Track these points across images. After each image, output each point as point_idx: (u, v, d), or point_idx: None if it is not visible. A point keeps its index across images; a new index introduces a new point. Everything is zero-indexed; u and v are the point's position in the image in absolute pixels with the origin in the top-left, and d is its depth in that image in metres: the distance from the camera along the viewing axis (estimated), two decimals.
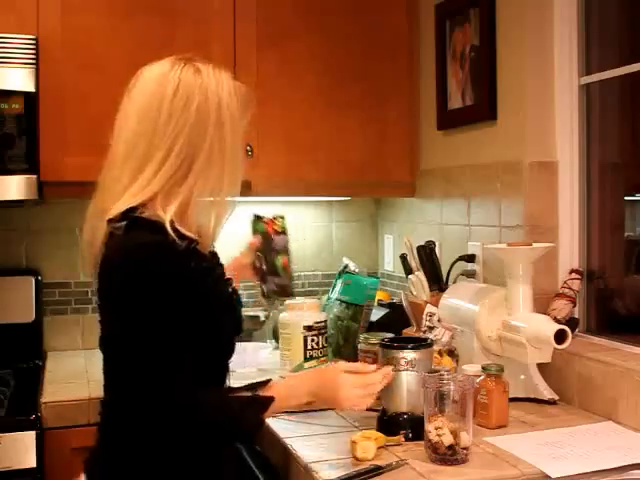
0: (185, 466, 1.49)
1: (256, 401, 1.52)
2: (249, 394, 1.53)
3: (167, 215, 1.46)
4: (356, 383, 1.60)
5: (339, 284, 2.52)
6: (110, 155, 1.53)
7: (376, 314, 2.54)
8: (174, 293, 1.42)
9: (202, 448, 1.48)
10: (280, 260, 1.98)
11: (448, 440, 1.55)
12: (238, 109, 1.53)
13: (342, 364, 1.67)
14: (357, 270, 2.54)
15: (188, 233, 1.48)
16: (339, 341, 2.41)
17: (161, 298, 1.41)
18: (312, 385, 1.59)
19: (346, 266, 2.56)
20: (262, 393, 1.54)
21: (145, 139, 1.48)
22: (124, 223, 1.45)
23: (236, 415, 1.49)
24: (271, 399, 1.52)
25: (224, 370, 1.62)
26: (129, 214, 1.46)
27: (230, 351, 1.61)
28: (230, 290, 1.67)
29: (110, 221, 1.47)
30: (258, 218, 2.02)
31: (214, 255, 1.65)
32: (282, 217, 2.04)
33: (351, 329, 2.39)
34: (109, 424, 1.55)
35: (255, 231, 2.01)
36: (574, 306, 2.13)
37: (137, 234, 1.45)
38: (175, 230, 1.45)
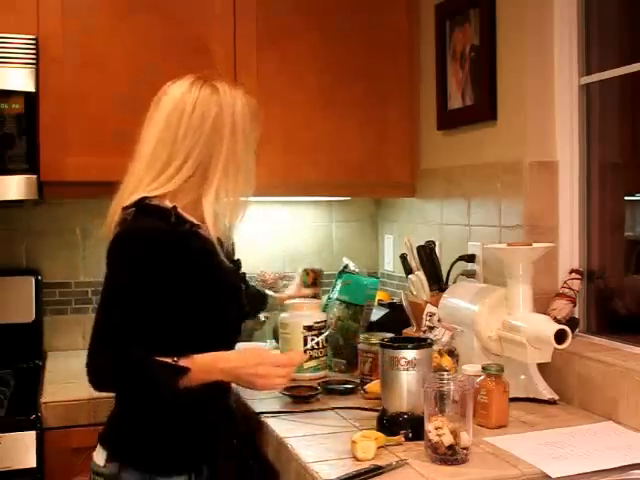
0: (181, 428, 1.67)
1: (173, 367, 1.59)
2: (170, 360, 1.60)
3: (172, 204, 1.66)
4: (273, 362, 1.70)
5: (339, 284, 2.51)
6: (135, 157, 1.72)
7: (376, 314, 2.54)
8: (165, 267, 1.60)
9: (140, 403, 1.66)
10: None
11: (448, 440, 1.55)
12: (250, 121, 1.73)
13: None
14: (357, 270, 2.51)
15: (191, 218, 1.68)
16: (339, 341, 2.38)
17: (144, 274, 1.59)
18: (230, 364, 1.67)
19: (346, 266, 2.54)
20: (182, 363, 1.60)
21: (166, 147, 1.68)
22: (134, 209, 1.65)
23: (151, 375, 1.60)
24: (186, 369, 1.59)
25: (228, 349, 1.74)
26: (140, 203, 1.65)
27: (234, 332, 1.81)
28: (235, 280, 1.81)
29: (124, 209, 1.66)
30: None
31: (227, 251, 1.78)
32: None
33: (351, 329, 2.37)
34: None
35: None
36: (574, 306, 2.13)
37: (144, 219, 1.64)
38: (178, 215, 1.65)
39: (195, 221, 1.69)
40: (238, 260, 1.89)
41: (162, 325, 1.63)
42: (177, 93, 1.71)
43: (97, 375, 1.60)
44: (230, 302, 1.75)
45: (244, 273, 2.01)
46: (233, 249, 1.87)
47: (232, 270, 1.79)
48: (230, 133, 1.69)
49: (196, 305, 1.66)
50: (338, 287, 2.51)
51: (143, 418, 1.68)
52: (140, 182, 1.69)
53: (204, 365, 1.63)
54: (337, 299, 2.46)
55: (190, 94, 1.70)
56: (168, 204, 1.67)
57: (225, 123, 1.69)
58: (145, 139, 1.72)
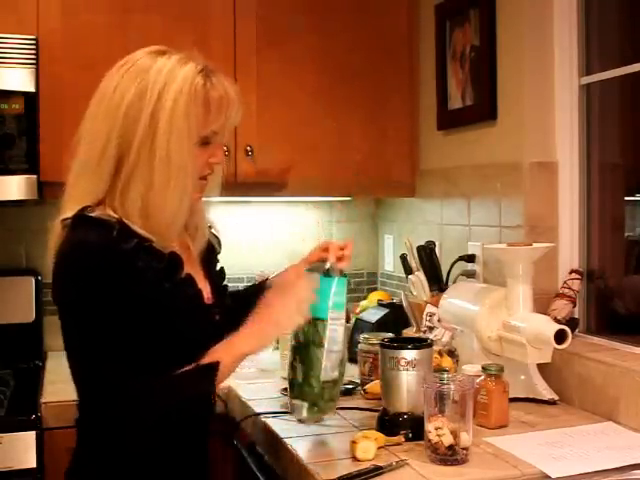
0: (161, 464, 1.49)
1: (205, 369, 1.44)
2: (191, 366, 1.44)
3: (115, 214, 1.43)
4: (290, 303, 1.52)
5: None
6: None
7: (376, 314, 2.54)
8: (109, 291, 1.39)
9: (167, 435, 1.45)
10: None
11: (448, 440, 1.55)
12: (191, 112, 1.43)
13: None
14: (328, 266, 1.66)
15: (141, 231, 1.43)
16: (297, 377, 1.64)
17: (94, 296, 1.39)
18: (250, 334, 1.51)
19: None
20: (204, 362, 1.45)
21: (87, 137, 1.47)
22: (69, 221, 1.44)
23: (189, 389, 1.44)
24: (217, 363, 1.44)
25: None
26: (78, 214, 1.44)
27: (194, 348, 1.48)
28: (194, 290, 1.54)
29: (63, 221, 1.46)
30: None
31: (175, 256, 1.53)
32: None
33: (310, 357, 1.61)
34: (81, 427, 1.54)
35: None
36: (574, 306, 2.13)
37: (80, 232, 1.42)
38: (124, 228, 1.41)
39: (146, 234, 1.43)
40: (222, 269, 1.70)
41: (129, 345, 1.43)
42: (110, 71, 1.51)
43: (139, 412, 1.41)
44: (188, 325, 1.49)
45: (225, 285, 1.72)
46: (213, 253, 1.68)
47: (191, 290, 1.52)
48: (150, 118, 1.41)
49: (148, 330, 1.44)
50: None
51: (108, 455, 1.48)
52: (70, 186, 1.49)
53: (222, 351, 1.47)
54: None
55: (118, 70, 1.49)
56: (111, 214, 1.43)
57: (144, 108, 1.42)
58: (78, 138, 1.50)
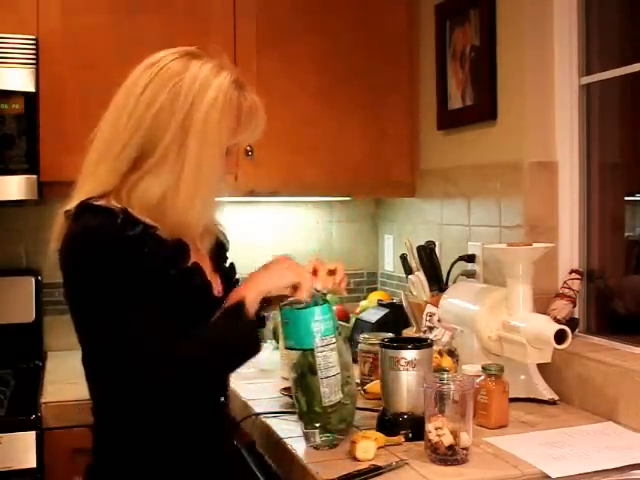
0: (180, 464, 1.49)
1: (233, 308, 1.47)
2: (220, 311, 1.47)
3: (119, 204, 1.43)
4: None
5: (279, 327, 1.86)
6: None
7: (376, 314, 2.54)
8: (119, 269, 1.38)
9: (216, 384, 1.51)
10: None
11: (448, 440, 1.55)
12: (223, 121, 1.45)
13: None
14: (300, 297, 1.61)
15: (145, 219, 1.43)
16: (302, 406, 1.65)
17: (105, 273, 1.38)
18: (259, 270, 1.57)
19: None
20: (228, 304, 1.49)
21: (108, 132, 1.48)
22: (74, 211, 1.44)
23: (228, 331, 1.47)
24: (242, 301, 1.47)
25: None
26: (80, 204, 1.44)
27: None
28: (202, 280, 1.53)
29: (66, 213, 1.46)
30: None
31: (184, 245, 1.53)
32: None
33: (309, 386, 1.63)
34: (100, 430, 1.55)
35: None
36: (574, 306, 2.13)
37: (84, 219, 1.42)
38: (128, 216, 1.41)
39: (150, 222, 1.43)
40: (231, 265, 1.69)
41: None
42: (139, 69, 1.48)
43: (187, 372, 1.41)
44: (195, 314, 1.48)
45: (237, 280, 1.70)
46: (222, 249, 1.69)
47: (199, 279, 1.52)
48: (182, 123, 1.42)
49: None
50: (280, 331, 1.96)
51: (129, 459, 1.49)
52: (83, 177, 1.49)
53: (241, 290, 1.50)
54: (286, 348, 1.68)
55: (148, 69, 1.46)
56: (115, 204, 1.43)
57: (177, 112, 1.42)
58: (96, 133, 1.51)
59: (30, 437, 2.06)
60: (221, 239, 1.68)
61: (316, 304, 1.61)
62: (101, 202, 1.43)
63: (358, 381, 2.13)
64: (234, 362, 1.52)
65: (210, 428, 1.56)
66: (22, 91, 2.31)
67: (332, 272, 1.66)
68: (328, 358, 1.60)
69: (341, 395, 1.63)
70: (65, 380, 2.34)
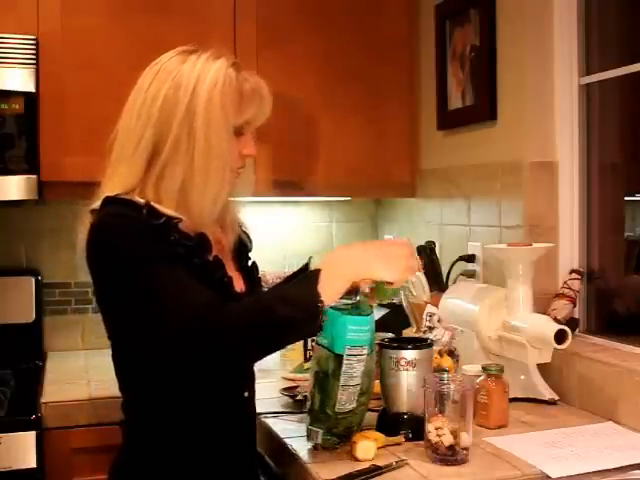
0: (205, 459, 1.51)
1: (305, 277, 1.44)
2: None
3: (143, 200, 1.45)
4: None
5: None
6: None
7: (376, 314, 2.53)
8: (153, 243, 1.40)
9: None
10: None
11: (448, 440, 1.55)
12: (226, 101, 1.48)
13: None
14: (359, 298, 1.57)
15: (169, 211, 1.45)
16: (314, 404, 1.63)
17: (142, 247, 1.39)
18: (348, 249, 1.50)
19: None
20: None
21: (124, 134, 1.51)
22: (98, 204, 1.47)
23: (287, 294, 1.42)
24: (316, 271, 1.40)
25: None
26: (106, 197, 1.47)
27: None
28: (223, 274, 1.53)
29: (91, 212, 1.49)
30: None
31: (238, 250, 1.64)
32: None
33: (328, 388, 1.59)
34: (130, 426, 1.56)
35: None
36: (574, 306, 2.13)
37: (110, 209, 1.45)
38: (152, 209, 1.44)
39: (174, 214, 1.46)
40: (254, 263, 1.70)
41: None
42: (146, 70, 1.54)
43: (240, 341, 1.36)
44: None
45: (259, 278, 1.72)
46: (245, 248, 1.69)
47: (219, 273, 1.52)
48: (186, 109, 1.45)
49: None
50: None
51: (159, 455, 1.51)
52: (106, 178, 1.52)
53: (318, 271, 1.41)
54: (317, 343, 1.63)
55: (151, 69, 1.53)
56: (138, 199, 1.45)
57: (180, 100, 1.46)
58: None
59: (30, 437, 2.06)
60: (244, 239, 1.70)
61: (359, 313, 1.55)
62: (125, 196, 1.47)
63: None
64: (283, 334, 1.41)
65: (235, 423, 1.58)
66: (22, 91, 2.31)
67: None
68: (353, 368, 1.57)
69: (355, 404, 1.61)
70: (65, 380, 2.34)
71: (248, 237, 1.72)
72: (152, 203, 1.45)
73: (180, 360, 1.37)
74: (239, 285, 1.59)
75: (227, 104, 1.48)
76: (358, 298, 1.55)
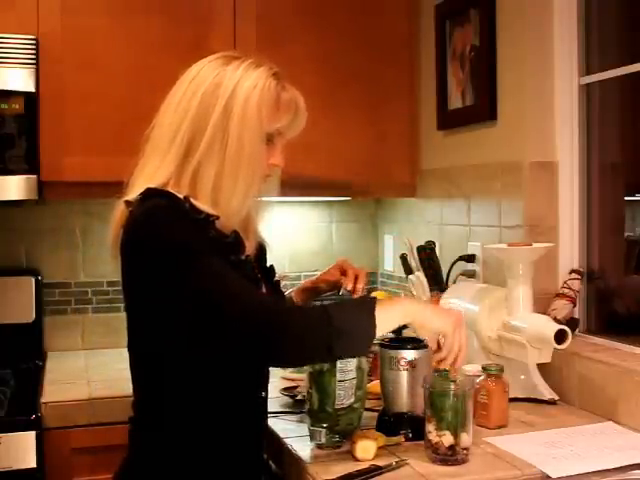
0: (219, 458, 1.51)
1: (368, 301, 1.47)
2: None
3: (180, 194, 1.47)
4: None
5: None
6: None
7: None
8: (198, 236, 1.42)
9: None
10: None
11: (448, 440, 1.55)
12: (262, 106, 1.51)
13: None
14: (342, 293, 1.81)
15: (205, 208, 1.47)
16: (313, 404, 1.67)
17: (190, 239, 1.41)
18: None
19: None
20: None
21: (160, 127, 1.53)
22: (139, 196, 1.47)
23: (348, 306, 1.50)
24: (374, 299, 1.46)
25: None
26: (147, 189, 1.48)
27: None
28: (254, 274, 1.60)
29: (127, 203, 1.48)
30: None
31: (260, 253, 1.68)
32: None
33: (325, 385, 1.64)
34: (141, 425, 1.55)
35: None
36: (574, 306, 2.13)
37: (152, 201, 1.45)
38: (191, 204, 1.46)
39: (212, 211, 1.48)
40: (272, 267, 1.73)
41: None
42: (187, 71, 1.57)
43: (301, 349, 1.40)
44: None
45: (277, 281, 1.76)
46: (263, 252, 1.73)
47: (252, 273, 1.58)
48: (224, 108, 1.48)
49: None
50: None
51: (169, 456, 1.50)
52: (139, 171, 1.53)
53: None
54: None
55: (193, 68, 1.56)
56: (176, 193, 1.47)
57: (219, 98, 1.49)
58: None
59: (30, 437, 2.06)
60: (262, 242, 1.73)
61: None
62: (166, 189, 1.47)
63: None
64: (337, 344, 1.41)
65: (250, 423, 1.58)
66: (22, 91, 2.31)
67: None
68: (348, 362, 1.63)
69: (353, 399, 1.65)
70: (65, 380, 2.34)
71: (264, 240, 1.75)
72: (191, 199, 1.46)
73: (236, 345, 1.39)
74: (264, 287, 1.64)
75: (263, 109, 1.51)
76: (341, 292, 1.74)
